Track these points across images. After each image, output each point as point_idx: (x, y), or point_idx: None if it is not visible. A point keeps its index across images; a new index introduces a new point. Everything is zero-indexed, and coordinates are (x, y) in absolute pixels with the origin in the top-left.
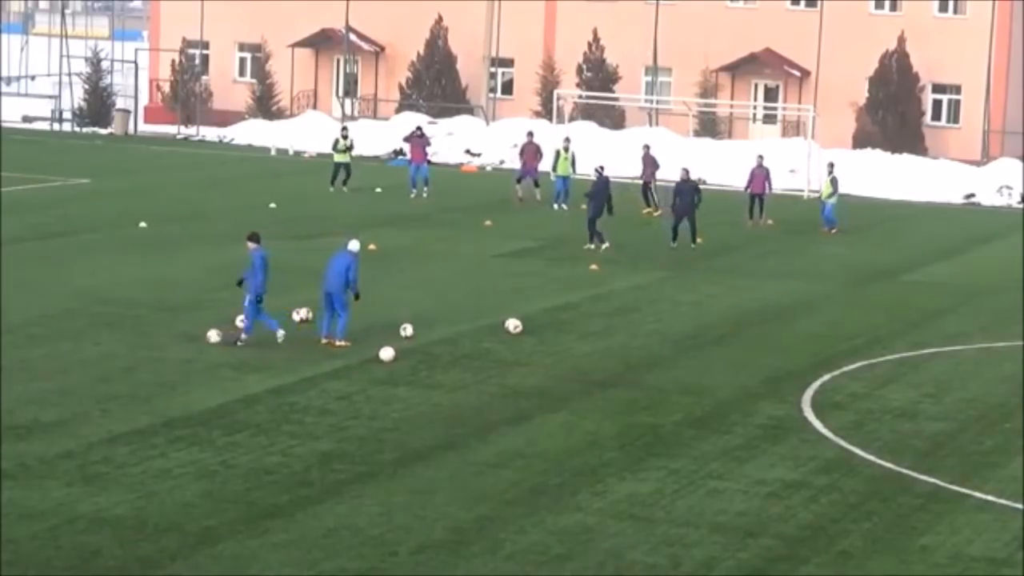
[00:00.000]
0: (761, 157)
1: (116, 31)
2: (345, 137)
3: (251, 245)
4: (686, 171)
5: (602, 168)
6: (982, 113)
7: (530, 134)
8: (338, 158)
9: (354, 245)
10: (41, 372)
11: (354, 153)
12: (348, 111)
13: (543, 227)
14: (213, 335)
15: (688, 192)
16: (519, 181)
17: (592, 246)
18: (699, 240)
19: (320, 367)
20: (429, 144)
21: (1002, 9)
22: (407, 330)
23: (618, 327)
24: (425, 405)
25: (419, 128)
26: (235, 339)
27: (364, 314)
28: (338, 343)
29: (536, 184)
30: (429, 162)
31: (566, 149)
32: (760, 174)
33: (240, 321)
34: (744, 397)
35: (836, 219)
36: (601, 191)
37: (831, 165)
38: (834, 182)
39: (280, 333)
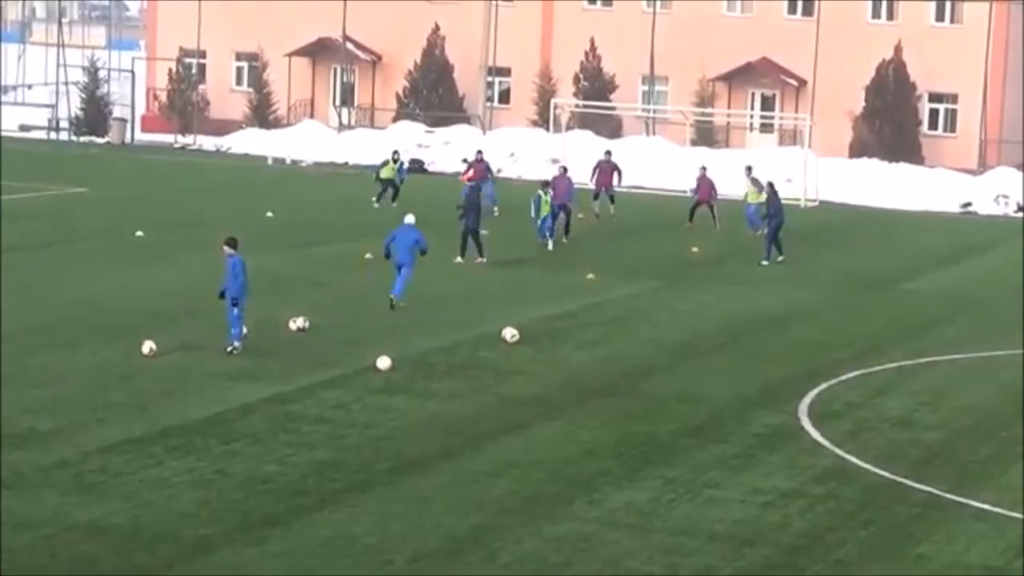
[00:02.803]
0: (704, 168)
1: (113, 40)
2: (396, 161)
3: (228, 250)
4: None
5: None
6: (979, 122)
7: (607, 153)
8: (385, 174)
9: (410, 218)
10: (38, 380)
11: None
12: (345, 120)
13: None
14: (147, 346)
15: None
16: (595, 198)
17: (461, 260)
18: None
19: (316, 376)
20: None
21: (999, 18)
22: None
23: (614, 336)
24: (421, 414)
25: (479, 152)
26: (229, 346)
27: (360, 323)
28: (393, 301)
29: (612, 200)
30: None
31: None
32: (705, 184)
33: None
34: (741, 405)
35: (760, 222)
36: (473, 202)
37: (749, 168)
38: (756, 183)
39: (235, 345)
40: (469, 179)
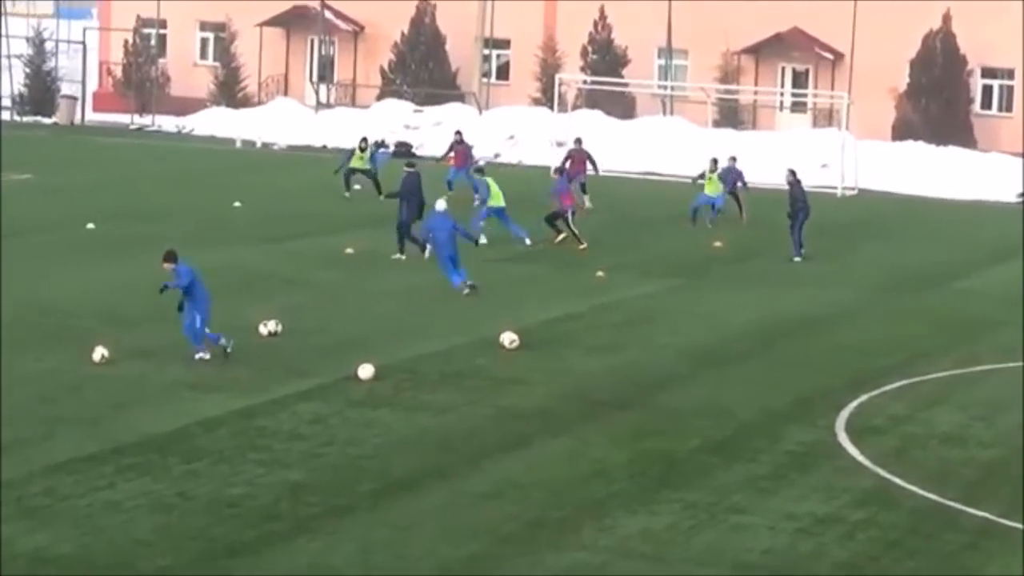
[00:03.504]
0: (734, 159)
1: (62, 9)
2: (364, 149)
3: (169, 267)
4: (792, 172)
5: (414, 164)
6: None
7: (578, 141)
8: (356, 164)
9: (441, 205)
10: None
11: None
12: (323, 98)
13: (543, 229)
14: (98, 353)
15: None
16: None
17: (402, 256)
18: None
19: (290, 386)
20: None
21: None
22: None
23: (627, 341)
24: (410, 429)
25: (459, 134)
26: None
27: (339, 327)
28: (467, 288)
29: (583, 189)
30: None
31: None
32: (733, 175)
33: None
34: (770, 420)
35: (697, 214)
36: (413, 191)
37: (714, 161)
38: (727, 174)
39: (204, 355)
40: (453, 163)
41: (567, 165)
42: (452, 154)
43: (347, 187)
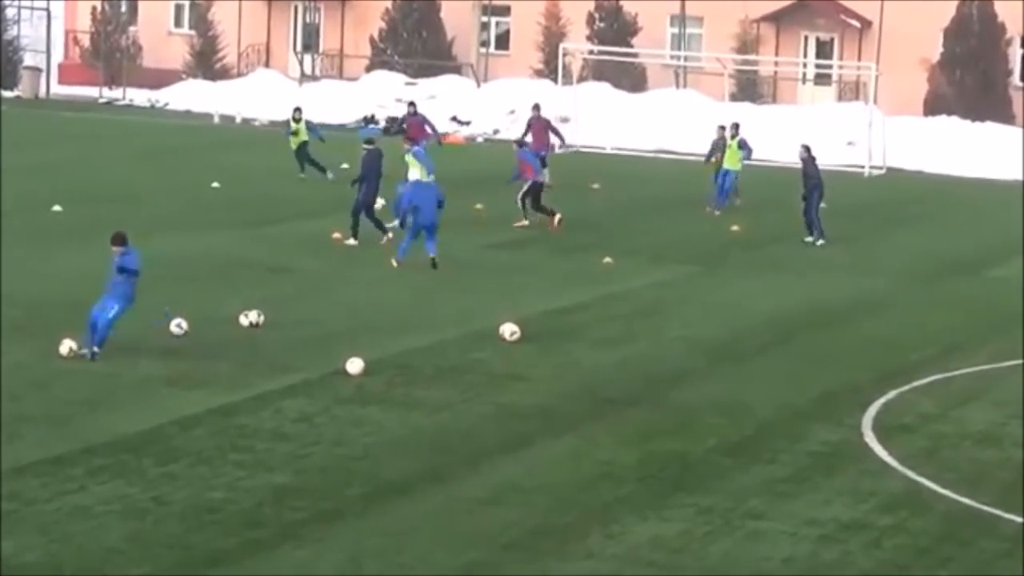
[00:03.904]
0: (737, 125)
1: None
2: (299, 120)
3: (118, 250)
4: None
5: (372, 140)
6: None
7: (536, 107)
8: (296, 143)
9: (414, 174)
10: None
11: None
12: (308, 70)
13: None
14: (66, 346)
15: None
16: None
17: (354, 242)
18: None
19: (274, 382)
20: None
21: None
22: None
23: (637, 333)
24: (402, 429)
25: (412, 105)
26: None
27: (326, 318)
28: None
29: (544, 163)
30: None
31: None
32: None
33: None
34: (791, 419)
35: (723, 198)
36: (374, 170)
37: (734, 127)
38: (743, 144)
39: (94, 351)
40: (452, 142)
41: (528, 137)
42: (418, 129)
43: (303, 168)
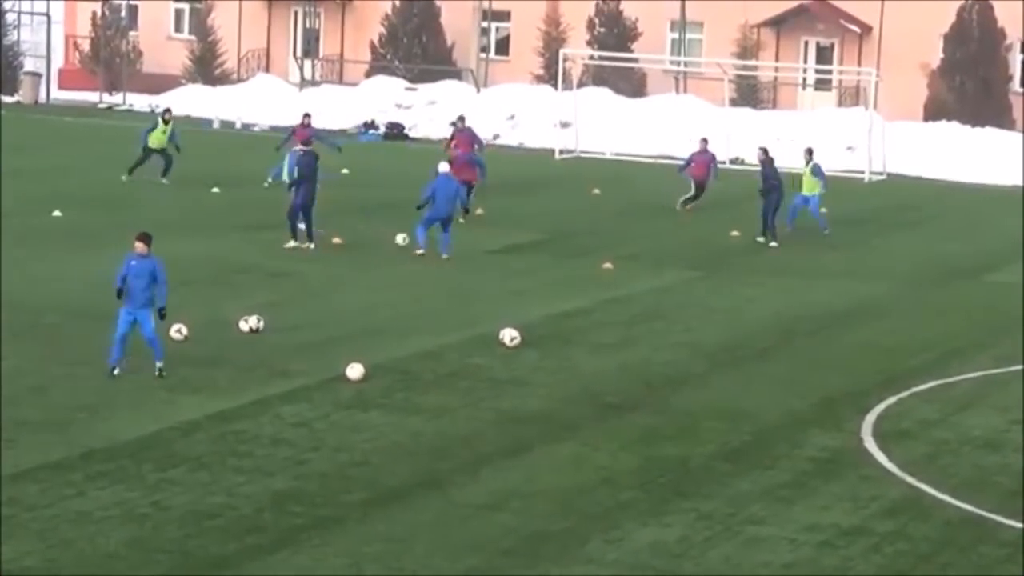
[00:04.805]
0: (705, 141)
1: None
2: (168, 122)
3: (141, 247)
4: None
5: (309, 142)
6: None
7: (461, 119)
8: (154, 141)
9: (444, 167)
10: None
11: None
12: (308, 75)
13: (547, 217)
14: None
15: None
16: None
17: (296, 244)
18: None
19: (273, 387)
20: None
21: None
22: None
23: (637, 338)
24: (402, 434)
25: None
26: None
27: (326, 323)
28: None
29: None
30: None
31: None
32: (703, 160)
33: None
34: (791, 424)
35: (822, 218)
36: (309, 174)
37: (808, 152)
38: (817, 170)
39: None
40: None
41: (452, 146)
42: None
43: (131, 172)
